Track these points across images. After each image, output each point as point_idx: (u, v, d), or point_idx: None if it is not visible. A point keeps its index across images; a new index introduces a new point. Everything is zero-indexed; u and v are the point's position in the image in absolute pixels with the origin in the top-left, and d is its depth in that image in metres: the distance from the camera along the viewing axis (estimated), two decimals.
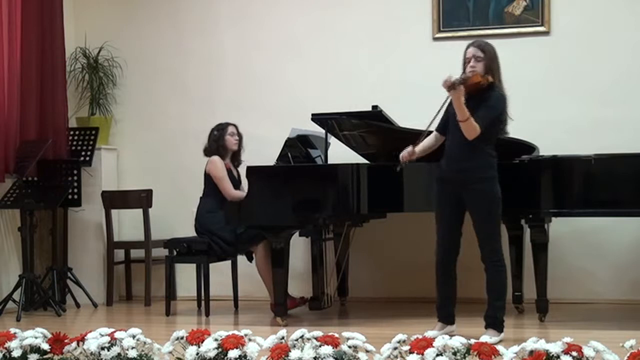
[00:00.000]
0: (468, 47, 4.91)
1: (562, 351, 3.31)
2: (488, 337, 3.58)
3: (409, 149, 4.98)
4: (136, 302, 7.04)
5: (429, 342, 3.41)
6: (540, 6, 6.48)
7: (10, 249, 6.65)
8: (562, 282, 6.23)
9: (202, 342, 3.57)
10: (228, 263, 6.50)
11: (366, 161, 6.17)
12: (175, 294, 6.98)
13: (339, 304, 6.47)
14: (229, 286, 6.55)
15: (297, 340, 3.52)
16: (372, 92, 6.50)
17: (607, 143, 5.98)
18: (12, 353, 3.75)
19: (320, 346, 3.43)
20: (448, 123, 4.91)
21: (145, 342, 3.72)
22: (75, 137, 7.07)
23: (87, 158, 6.96)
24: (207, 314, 6.16)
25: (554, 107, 6.42)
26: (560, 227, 6.05)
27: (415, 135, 5.03)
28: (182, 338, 3.65)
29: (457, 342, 3.40)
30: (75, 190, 6.74)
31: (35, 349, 3.75)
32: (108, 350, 3.65)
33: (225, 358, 3.49)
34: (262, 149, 6.44)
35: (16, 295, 6.27)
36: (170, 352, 3.67)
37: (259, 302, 6.46)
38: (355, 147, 6.18)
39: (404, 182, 5.48)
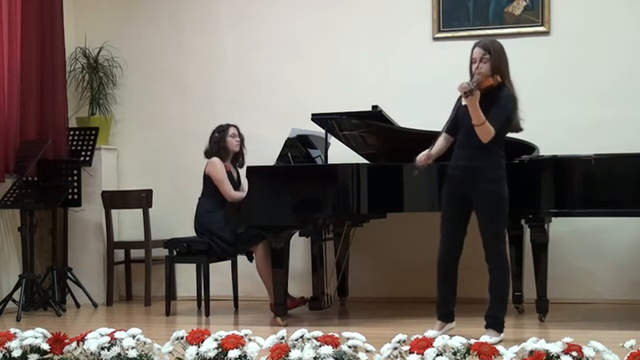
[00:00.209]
0: (474, 47, 4.86)
1: (562, 351, 3.31)
2: (488, 337, 3.57)
3: (426, 152, 4.92)
4: (136, 302, 7.04)
5: (429, 342, 3.41)
6: (540, 6, 6.48)
7: (10, 249, 6.65)
8: (562, 282, 6.23)
9: (202, 342, 3.57)
10: (228, 263, 6.50)
11: (366, 161, 6.17)
12: (175, 294, 6.98)
13: (339, 304, 6.46)
14: (229, 286, 6.55)
15: (297, 340, 3.52)
16: (372, 92, 6.50)
17: (607, 143, 5.97)
18: (12, 353, 3.75)
19: (320, 346, 3.43)
20: (457, 124, 4.88)
21: (145, 342, 3.72)
22: (75, 137, 7.06)
23: (87, 158, 6.96)
24: (207, 314, 6.15)
25: (554, 107, 6.42)
26: (560, 227, 6.05)
27: (415, 136, 5.03)
28: (182, 338, 3.65)
29: (457, 342, 3.40)
30: (75, 190, 6.73)
31: (35, 349, 3.75)
32: (108, 350, 3.65)
33: (225, 358, 3.49)
34: (262, 149, 6.43)
35: (16, 295, 6.26)
36: (170, 352, 3.67)
37: (259, 302, 6.45)
38: (355, 147, 6.18)
39: (404, 182, 5.47)
